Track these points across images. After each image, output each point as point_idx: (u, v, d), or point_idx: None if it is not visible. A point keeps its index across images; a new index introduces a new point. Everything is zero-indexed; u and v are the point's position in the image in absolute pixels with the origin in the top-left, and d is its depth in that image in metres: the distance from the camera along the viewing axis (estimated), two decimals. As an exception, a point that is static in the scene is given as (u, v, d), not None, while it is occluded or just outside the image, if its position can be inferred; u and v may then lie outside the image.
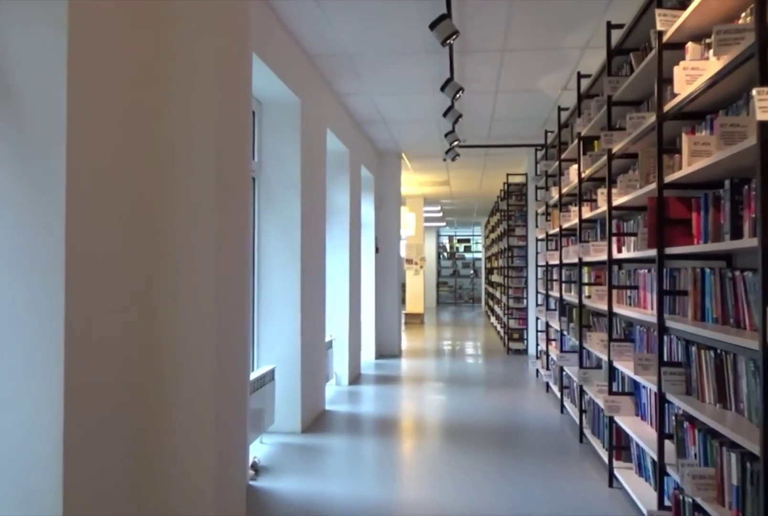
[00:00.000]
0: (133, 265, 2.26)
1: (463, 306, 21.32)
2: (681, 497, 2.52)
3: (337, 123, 6.01)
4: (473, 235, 23.01)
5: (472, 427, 4.90)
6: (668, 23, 2.57)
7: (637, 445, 3.28)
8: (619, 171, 3.85)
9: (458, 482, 3.66)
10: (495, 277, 12.93)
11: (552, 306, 6.24)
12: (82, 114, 1.95)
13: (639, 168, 2.98)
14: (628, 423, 3.33)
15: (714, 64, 2.22)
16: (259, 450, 4.16)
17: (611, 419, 3.53)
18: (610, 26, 3.68)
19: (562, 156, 5.33)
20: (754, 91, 1.80)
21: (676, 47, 2.64)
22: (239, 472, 2.64)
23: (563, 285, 5.46)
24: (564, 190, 5.28)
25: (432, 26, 3.54)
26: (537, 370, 7.11)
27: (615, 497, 3.40)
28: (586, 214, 4.41)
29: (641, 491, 3.15)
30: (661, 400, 2.67)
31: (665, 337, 2.78)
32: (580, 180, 4.50)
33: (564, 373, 5.26)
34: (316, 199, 5.15)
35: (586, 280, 4.65)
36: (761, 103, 1.79)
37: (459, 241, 23.18)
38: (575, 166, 4.80)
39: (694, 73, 2.41)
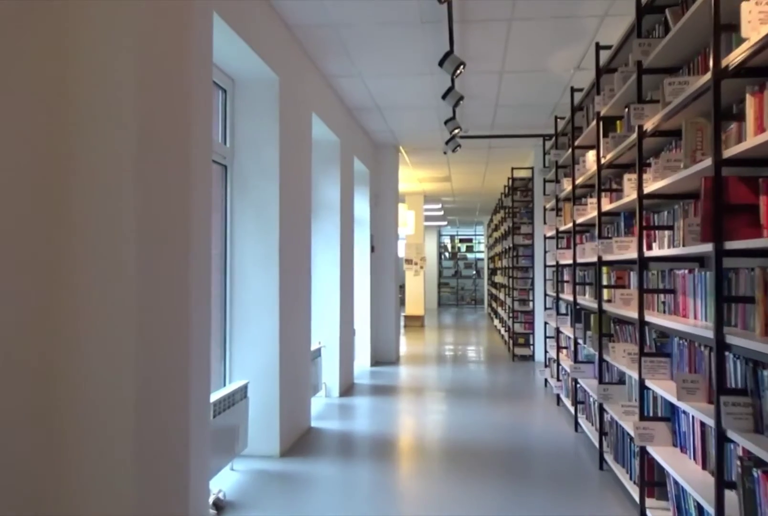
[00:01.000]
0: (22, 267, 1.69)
1: (465, 307, 20.78)
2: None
3: (325, 107, 5.42)
4: (475, 235, 22.67)
5: (475, 448, 4.30)
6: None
7: (676, 482, 2.70)
8: (648, 154, 3.27)
9: (459, 523, 3.08)
10: (498, 278, 12.35)
11: (563, 310, 5.65)
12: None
13: (685, 144, 2.40)
14: (663, 455, 2.75)
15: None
16: (227, 480, 3.58)
17: (642, 449, 2.95)
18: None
19: (576, 142, 4.74)
20: None
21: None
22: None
23: (576, 287, 4.87)
24: (578, 181, 4.69)
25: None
26: (546, 380, 6.52)
27: (649, 545, 2.82)
28: (607, 206, 3.83)
29: (684, 542, 2.57)
30: (721, 438, 2.07)
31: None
32: (599, 167, 3.92)
33: (578, 385, 4.67)
34: (299, 191, 4.56)
35: (605, 282, 4.06)
36: None
37: (461, 240, 22.80)
38: (592, 151, 4.21)
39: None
